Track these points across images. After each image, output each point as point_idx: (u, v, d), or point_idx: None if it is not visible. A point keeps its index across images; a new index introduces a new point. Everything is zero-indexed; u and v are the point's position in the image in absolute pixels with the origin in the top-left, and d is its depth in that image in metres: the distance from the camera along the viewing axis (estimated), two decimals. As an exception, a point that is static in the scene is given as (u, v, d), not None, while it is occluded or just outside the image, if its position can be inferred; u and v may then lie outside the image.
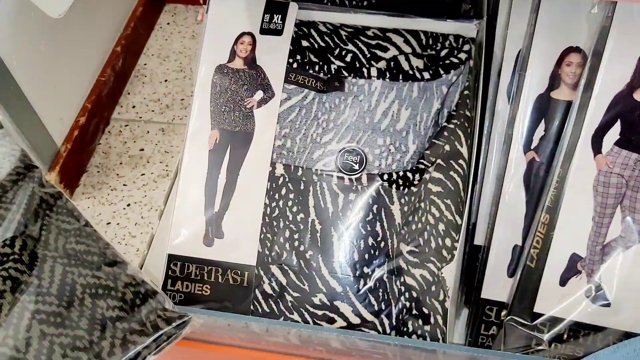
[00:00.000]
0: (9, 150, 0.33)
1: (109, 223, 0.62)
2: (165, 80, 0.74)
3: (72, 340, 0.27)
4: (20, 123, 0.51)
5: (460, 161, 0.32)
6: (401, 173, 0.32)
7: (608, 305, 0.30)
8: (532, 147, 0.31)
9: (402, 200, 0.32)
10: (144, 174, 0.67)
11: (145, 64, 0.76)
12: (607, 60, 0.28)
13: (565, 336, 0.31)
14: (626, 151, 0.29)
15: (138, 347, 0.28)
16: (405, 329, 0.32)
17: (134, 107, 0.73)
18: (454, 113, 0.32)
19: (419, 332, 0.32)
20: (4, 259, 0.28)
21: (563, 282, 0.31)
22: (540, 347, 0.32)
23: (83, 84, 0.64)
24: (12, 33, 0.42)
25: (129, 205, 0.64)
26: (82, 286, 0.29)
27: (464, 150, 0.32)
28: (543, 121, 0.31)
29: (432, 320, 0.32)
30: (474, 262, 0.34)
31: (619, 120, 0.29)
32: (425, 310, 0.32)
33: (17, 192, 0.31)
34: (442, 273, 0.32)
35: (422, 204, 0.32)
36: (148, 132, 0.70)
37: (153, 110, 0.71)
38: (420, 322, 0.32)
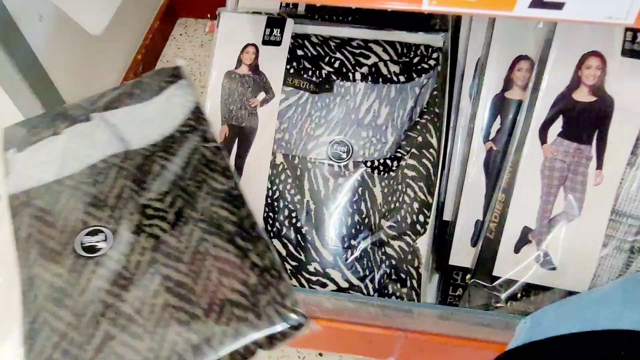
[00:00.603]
0: (184, 101, 0.33)
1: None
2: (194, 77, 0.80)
3: (189, 318, 0.24)
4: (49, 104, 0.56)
5: (431, 150, 0.36)
6: (382, 160, 0.36)
7: (554, 269, 0.34)
8: (490, 138, 0.35)
9: (383, 184, 0.36)
10: None
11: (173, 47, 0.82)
12: (550, 67, 0.32)
13: (519, 295, 0.35)
14: (567, 141, 0.33)
15: (249, 341, 0.25)
16: (386, 292, 0.36)
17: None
18: (425, 110, 0.36)
19: (398, 294, 0.36)
20: (153, 214, 0.27)
21: (517, 250, 0.35)
22: (498, 305, 0.36)
23: (111, 86, 0.69)
24: (53, 44, 0.46)
25: None
26: (212, 258, 0.26)
27: (434, 141, 0.36)
28: (499, 117, 0.35)
29: (408, 284, 0.36)
30: (443, 234, 0.38)
31: (560, 116, 0.33)
32: (403, 276, 0.36)
33: (182, 145, 0.30)
34: (416, 244, 0.36)
35: (400, 187, 0.36)
36: None
37: None
38: (398, 285, 0.36)
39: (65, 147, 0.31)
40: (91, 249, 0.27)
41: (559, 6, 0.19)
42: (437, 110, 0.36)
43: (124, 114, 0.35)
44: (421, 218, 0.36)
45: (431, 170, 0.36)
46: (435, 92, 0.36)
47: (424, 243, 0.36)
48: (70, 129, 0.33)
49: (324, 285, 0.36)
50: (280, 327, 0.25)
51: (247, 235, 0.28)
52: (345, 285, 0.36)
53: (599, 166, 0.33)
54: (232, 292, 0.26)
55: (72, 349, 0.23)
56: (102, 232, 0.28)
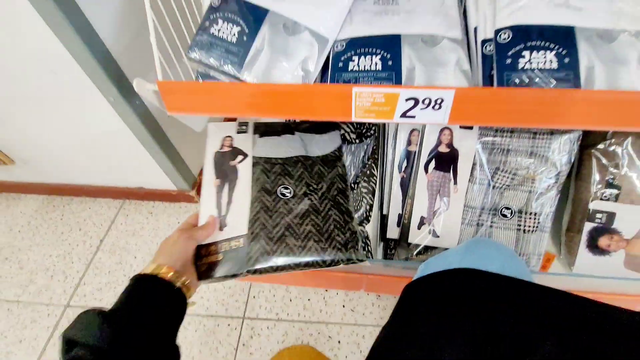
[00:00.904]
0: (336, 140, 0.61)
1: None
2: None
3: (319, 239, 0.50)
4: (174, 163, 0.89)
5: (373, 178, 0.68)
6: (349, 184, 0.68)
7: (438, 237, 0.64)
8: (401, 170, 0.67)
9: (351, 196, 0.68)
10: None
11: None
12: (426, 135, 0.63)
13: (422, 251, 0.66)
14: (438, 171, 0.64)
15: (338, 258, 0.50)
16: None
17: None
18: (370, 157, 0.68)
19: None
20: (312, 190, 0.55)
21: (419, 227, 0.65)
22: (412, 258, 0.66)
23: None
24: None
25: None
26: (331, 217, 0.54)
27: (375, 172, 0.68)
28: (405, 159, 0.66)
29: (367, 249, 0.68)
30: (384, 221, 0.69)
31: (434, 159, 0.64)
32: (364, 245, 0.68)
33: (330, 161, 0.59)
34: (366, 228, 0.67)
35: (358, 197, 0.68)
36: None
37: None
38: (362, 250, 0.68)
39: (280, 143, 0.62)
40: (283, 195, 0.57)
41: (412, 117, 0.50)
42: (376, 156, 0.68)
43: (310, 136, 0.66)
44: (370, 213, 0.67)
45: (375, 188, 0.68)
46: (375, 148, 0.68)
47: (371, 227, 0.67)
48: (284, 136, 0.64)
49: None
50: (353, 256, 0.52)
51: (346, 211, 0.57)
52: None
53: (455, 183, 0.63)
54: (337, 235, 0.53)
55: (267, 233, 0.53)
56: (288, 189, 0.57)
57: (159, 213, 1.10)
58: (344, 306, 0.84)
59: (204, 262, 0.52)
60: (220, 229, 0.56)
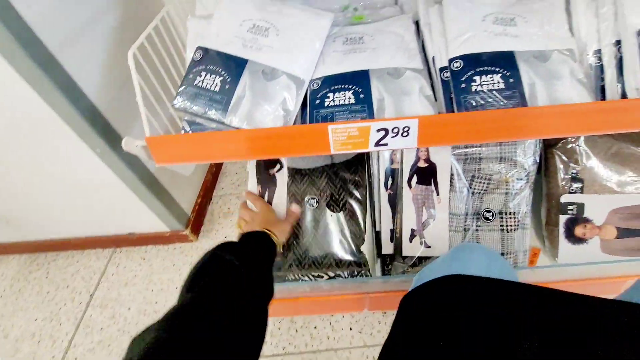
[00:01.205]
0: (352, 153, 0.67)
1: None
2: (236, 173, 1.20)
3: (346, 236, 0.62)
4: (166, 204, 0.90)
5: (364, 201, 0.70)
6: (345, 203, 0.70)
7: (429, 247, 0.67)
8: (388, 188, 0.69)
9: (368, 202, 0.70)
10: (231, 220, 1.09)
11: (226, 166, 1.26)
12: (405, 152, 0.67)
13: (416, 262, 0.67)
14: (421, 185, 0.67)
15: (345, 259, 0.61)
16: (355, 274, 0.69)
17: (222, 188, 1.19)
18: (366, 182, 0.70)
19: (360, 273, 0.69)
20: (335, 200, 0.63)
21: (410, 240, 0.68)
22: (407, 270, 0.68)
23: (198, 183, 1.09)
24: (149, 159, 0.82)
25: (225, 237, 1.05)
26: (347, 218, 0.65)
27: (366, 193, 0.70)
28: (390, 177, 0.69)
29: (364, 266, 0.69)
30: (378, 237, 0.71)
31: (415, 174, 0.67)
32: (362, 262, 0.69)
33: (353, 167, 0.66)
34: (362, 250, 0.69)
35: (349, 213, 0.70)
36: (230, 200, 1.14)
37: (230, 189, 1.17)
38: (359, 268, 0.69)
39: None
40: (311, 205, 0.68)
41: (385, 145, 0.53)
42: (367, 180, 0.70)
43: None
44: (364, 229, 0.69)
45: (368, 206, 0.70)
46: (360, 172, 0.71)
47: (367, 246, 0.68)
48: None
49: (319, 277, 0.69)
50: (354, 259, 0.63)
51: (358, 220, 0.66)
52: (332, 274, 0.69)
53: (438, 194, 0.66)
54: (351, 244, 0.62)
55: (298, 242, 0.66)
56: (315, 199, 0.66)
57: (152, 258, 1.07)
58: (351, 329, 0.83)
59: None
60: None
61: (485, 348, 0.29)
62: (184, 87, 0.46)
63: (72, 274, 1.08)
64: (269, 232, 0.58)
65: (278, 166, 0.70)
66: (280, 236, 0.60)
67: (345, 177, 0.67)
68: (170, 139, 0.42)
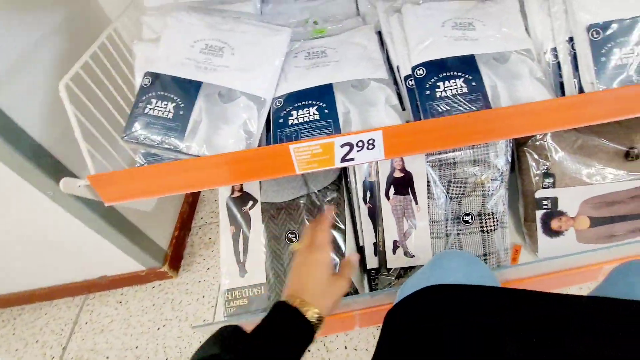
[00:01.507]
0: (333, 176, 0.64)
1: (199, 281, 0.96)
2: (215, 201, 1.15)
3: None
4: (137, 242, 0.83)
5: (344, 228, 0.66)
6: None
7: (413, 256, 0.64)
8: (367, 202, 0.66)
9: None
10: (213, 251, 1.01)
11: (204, 194, 1.18)
12: (380, 164, 0.65)
13: (402, 274, 0.64)
14: (399, 196, 0.65)
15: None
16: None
17: (202, 217, 1.11)
18: (344, 203, 0.67)
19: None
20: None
21: (394, 252, 0.65)
22: (393, 283, 0.64)
23: (173, 215, 1.02)
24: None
25: (208, 269, 0.98)
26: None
27: (346, 210, 0.67)
28: (368, 190, 0.67)
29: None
30: (362, 252, 0.67)
31: (392, 185, 0.65)
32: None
33: (329, 192, 0.62)
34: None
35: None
36: (211, 229, 1.07)
37: (210, 218, 1.10)
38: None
39: (281, 184, 0.64)
40: (290, 240, 0.62)
41: (352, 160, 0.50)
42: (345, 194, 0.67)
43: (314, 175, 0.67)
44: (348, 245, 0.65)
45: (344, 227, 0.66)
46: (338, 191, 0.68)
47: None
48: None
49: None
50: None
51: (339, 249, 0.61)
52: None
53: (417, 203, 0.64)
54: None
55: (281, 281, 0.57)
56: (294, 234, 0.62)
57: (129, 300, 0.98)
58: (345, 347, 0.78)
59: (233, 305, 0.62)
60: (242, 275, 0.61)
61: (470, 355, 0.30)
62: (134, 116, 0.41)
63: (40, 327, 0.97)
64: (307, 309, 0.37)
65: (251, 202, 0.65)
66: (324, 309, 0.38)
67: (323, 206, 0.63)
68: (116, 175, 0.37)
